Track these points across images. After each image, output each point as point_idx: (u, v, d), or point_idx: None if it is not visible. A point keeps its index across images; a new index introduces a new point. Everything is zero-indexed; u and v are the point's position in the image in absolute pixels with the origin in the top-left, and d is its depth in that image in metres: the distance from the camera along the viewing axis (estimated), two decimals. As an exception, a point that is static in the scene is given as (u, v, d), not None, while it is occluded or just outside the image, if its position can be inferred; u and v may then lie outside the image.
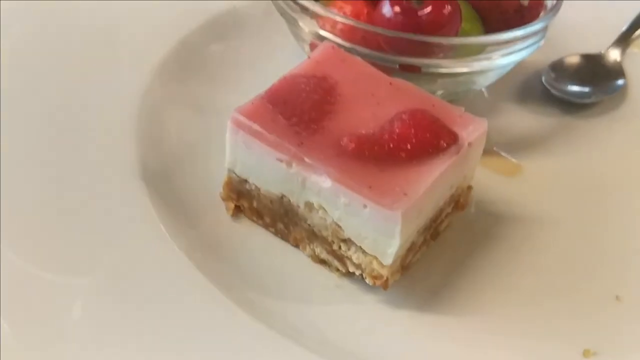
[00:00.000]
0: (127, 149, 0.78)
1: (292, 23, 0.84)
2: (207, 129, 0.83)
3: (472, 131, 0.71)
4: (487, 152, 0.83)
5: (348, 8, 0.83)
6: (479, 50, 0.82)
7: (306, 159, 0.67)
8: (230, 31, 0.94)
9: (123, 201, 0.73)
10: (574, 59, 0.96)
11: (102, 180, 0.75)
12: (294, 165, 0.68)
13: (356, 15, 0.82)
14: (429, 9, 0.78)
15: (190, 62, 0.90)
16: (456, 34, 0.81)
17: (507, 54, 0.83)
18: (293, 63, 0.76)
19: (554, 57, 0.97)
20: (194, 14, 0.93)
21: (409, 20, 0.78)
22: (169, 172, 0.78)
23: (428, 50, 0.79)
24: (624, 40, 0.99)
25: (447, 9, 0.79)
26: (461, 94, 0.88)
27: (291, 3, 0.83)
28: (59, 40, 0.88)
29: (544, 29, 0.85)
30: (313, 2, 0.81)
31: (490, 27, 0.85)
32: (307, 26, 0.82)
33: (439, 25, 0.79)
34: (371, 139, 0.68)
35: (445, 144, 0.69)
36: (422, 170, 0.67)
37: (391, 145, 0.68)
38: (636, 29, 1.00)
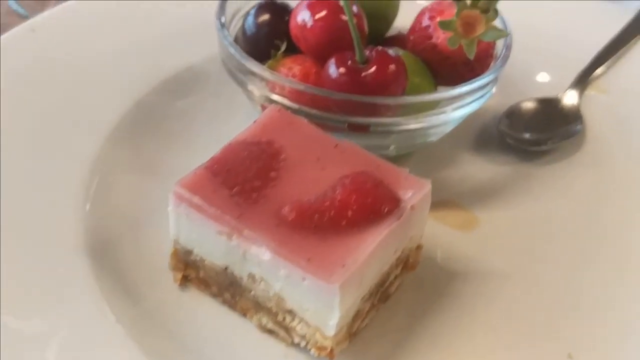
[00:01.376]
0: (73, 219, 0.77)
1: (243, 86, 0.84)
2: (160, 194, 0.81)
3: (416, 193, 0.71)
4: (443, 205, 0.84)
5: (297, 68, 0.83)
6: (431, 107, 0.82)
7: (245, 231, 0.67)
8: (187, 91, 0.94)
9: (66, 275, 0.73)
10: (529, 104, 0.95)
11: (45, 254, 0.74)
12: (234, 237, 0.67)
13: (305, 75, 0.83)
14: (373, 69, 0.78)
15: (144, 125, 0.89)
16: (403, 92, 0.81)
17: (459, 107, 0.83)
18: (250, 121, 0.76)
19: (511, 101, 0.96)
20: (149, 76, 0.94)
21: (354, 80, 0.78)
22: (116, 240, 0.78)
23: (375, 110, 0.79)
24: (581, 83, 0.98)
25: (391, 68, 0.79)
26: (416, 146, 0.88)
27: (241, 67, 0.83)
28: (6, 105, 0.87)
29: (495, 80, 0.85)
30: (262, 66, 0.81)
31: (441, 79, 0.85)
32: (257, 89, 0.83)
33: (384, 85, 0.79)
34: (312, 208, 0.68)
35: (386, 209, 0.68)
36: (363, 238, 0.66)
37: (332, 213, 0.67)
38: (593, 71, 1.00)
